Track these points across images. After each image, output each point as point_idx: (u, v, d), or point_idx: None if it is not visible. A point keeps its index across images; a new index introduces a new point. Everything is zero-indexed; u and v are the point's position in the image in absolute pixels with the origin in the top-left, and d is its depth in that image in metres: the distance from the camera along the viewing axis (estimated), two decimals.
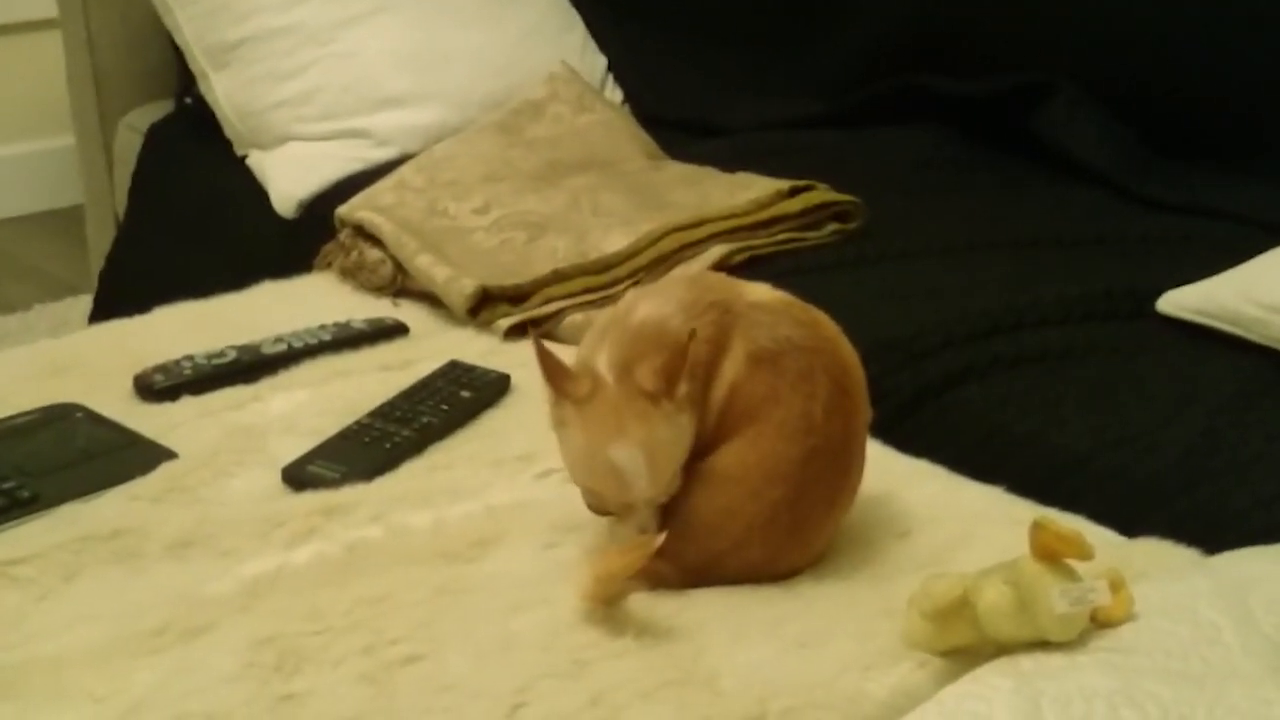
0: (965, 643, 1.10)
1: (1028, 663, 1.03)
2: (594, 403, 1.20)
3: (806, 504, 1.23)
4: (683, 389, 1.19)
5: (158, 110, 2.69)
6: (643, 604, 1.20)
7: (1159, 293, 1.65)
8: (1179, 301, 1.63)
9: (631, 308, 1.26)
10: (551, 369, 1.21)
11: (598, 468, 1.20)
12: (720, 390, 1.23)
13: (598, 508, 1.24)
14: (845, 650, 1.14)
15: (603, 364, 1.21)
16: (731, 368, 1.23)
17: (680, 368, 1.19)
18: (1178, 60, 2.12)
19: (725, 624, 1.18)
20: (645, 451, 1.18)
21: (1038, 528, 1.07)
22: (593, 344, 1.24)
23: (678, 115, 2.45)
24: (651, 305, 1.25)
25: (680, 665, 1.13)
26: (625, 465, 1.18)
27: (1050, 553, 1.07)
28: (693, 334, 1.19)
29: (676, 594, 1.22)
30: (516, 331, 1.74)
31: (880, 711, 1.07)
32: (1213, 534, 1.25)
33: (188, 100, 2.57)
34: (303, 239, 2.08)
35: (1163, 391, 1.52)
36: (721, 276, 1.41)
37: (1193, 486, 1.39)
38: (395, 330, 1.74)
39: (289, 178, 2.31)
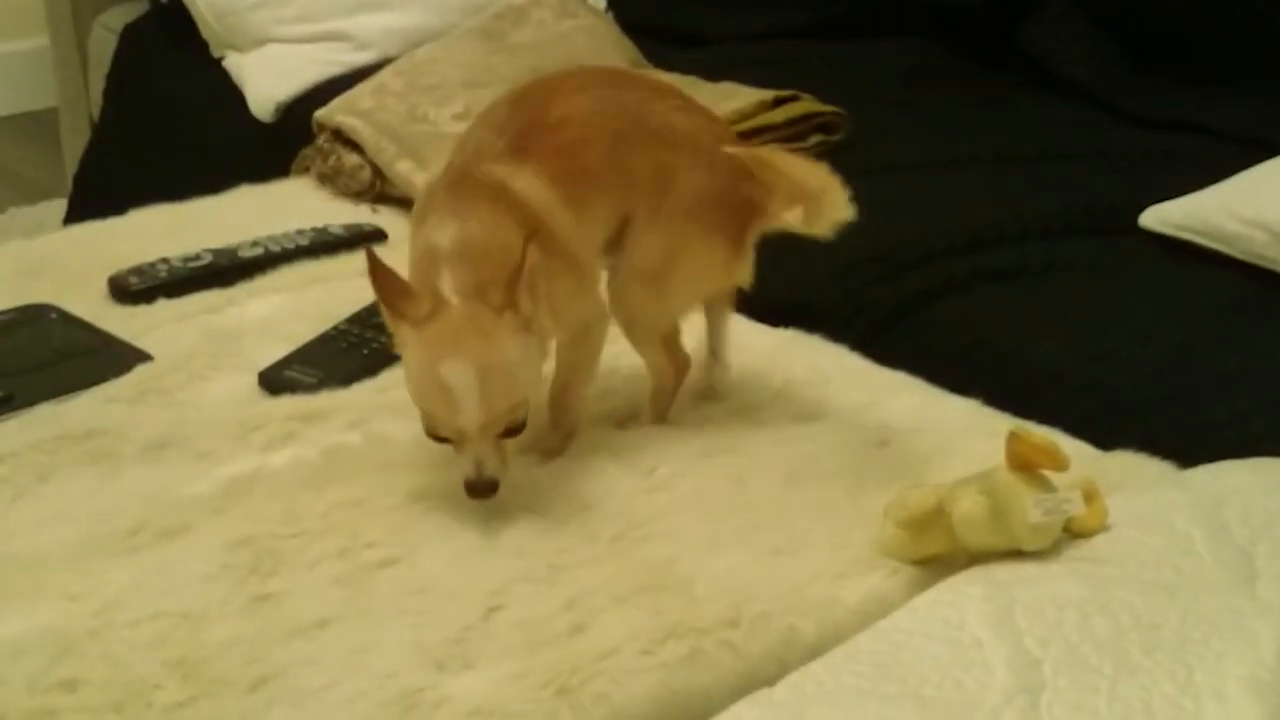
0: (939, 552, 1.11)
1: (1001, 571, 1.04)
2: (434, 321, 1.15)
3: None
4: (526, 306, 1.15)
5: (133, 10, 2.65)
6: (618, 511, 1.20)
7: (1142, 208, 1.64)
8: (1162, 216, 1.63)
9: (435, 231, 1.19)
10: (388, 289, 1.16)
11: (430, 386, 1.15)
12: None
13: (430, 430, 1.18)
14: (819, 558, 1.15)
15: (447, 286, 1.16)
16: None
17: (518, 277, 1.14)
18: None
19: (700, 532, 1.19)
20: (479, 370, 1.13)
21: (1013, 438, 1.07)
22: (428, 267, 1.18)
23: (662, 23, 2.42)
24: (457, 229, 1.18)
25: (655, 571, 1.14)
26: (455, 384, 1.13)
27: (1025, 463, 1.07)
28: (529, 240, 1.14)
29: (651, 503, 1.22)
30: None
31: (852, 618, 1.08)
32: (1188, 448, 1.25)
33: None
34: (280, 143, 2.06)
35: (1142, 306, 1.53)
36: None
37: (1169, 401, 1.39)
38: (373, 236, 1.72)
39: (266, 80, 2.28)
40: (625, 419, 1.36)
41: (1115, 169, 1.85)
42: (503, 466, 1.17)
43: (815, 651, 1.02)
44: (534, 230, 1.17)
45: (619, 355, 1.36)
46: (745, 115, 1.92)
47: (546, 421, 1.29)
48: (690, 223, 1.28)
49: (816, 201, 1.23)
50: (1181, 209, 1.62)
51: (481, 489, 1.16)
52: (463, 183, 1.22)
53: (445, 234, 1.19)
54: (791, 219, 1.28)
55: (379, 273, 1.16)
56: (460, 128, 1.93)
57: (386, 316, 1.18)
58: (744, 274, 1.31)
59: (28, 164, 3.36)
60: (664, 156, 1.27)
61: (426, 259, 1.19)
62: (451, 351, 1.14)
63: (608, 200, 1.27)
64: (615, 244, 1.29)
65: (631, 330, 1.33)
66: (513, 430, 1.17)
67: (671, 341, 1.35)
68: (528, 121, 1.24)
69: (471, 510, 1.20)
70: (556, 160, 1.23)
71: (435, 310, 1.15)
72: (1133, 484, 1.19)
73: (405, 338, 1.17)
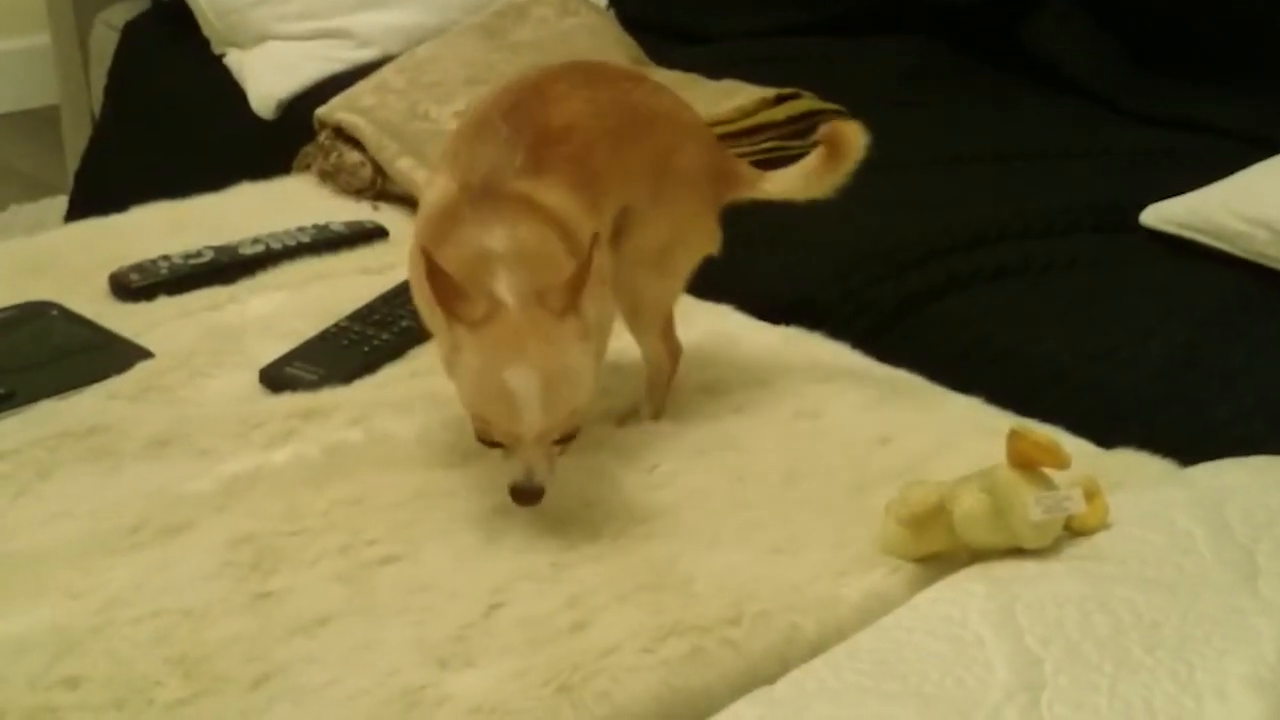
0: (941, 549, 1.11)
1: (1002, 569, 1.04)
2: (492, 324, 1.13)
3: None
4: (588, 311, 1.14)
5: (134, 7, 2.65)
6: (619, 509, 1.20)
7: (1143, 206, 1.64)
8: (1163, 214, 1.62)
9: (480, 237, 1.17)
10: (445, 291, 1.12)
11: (491, 391, 1.12)
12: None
13: (482, 434, 1.16)
14: (820, 556, 1.15)
15: (502, 287, 1.14)
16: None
17: (583, 280, 1.13)
18: None
19: (701, 530, 1.19)
20: (543, 376, 1.11)
21: (1015, 436, 1.07)
22: (472, 272, 1.15)
23: (663, 20, 2.42)
24: (506, 234, 1.17)
25: (656, 570, 1.14)
26: (518, 390, 1.11)
27: (1027, 461, 1.07)
28: (594, 244, 1.14)
29: (652, 500, 1.22)
30: None
31: (853, 615, 1.08)
32: (1191, 446, 1.25)
33: None
34: (282, 140, 2.05)
35: (1144, 304, 1.53)
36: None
37: (1172, 399, 1.39)
38: (375, 233, 1.72)
39: (268, 78, 2.28)
40: (625, 416, 1.36)
41: (1117, 167, 1.85)
42: (550, 473, 1.15)
43: (816, 649, 1.02)
44: (597, 235, 1.17)
45: (620, 353, 1.37)
46: (746, 112, 1.92)
47: None
48: (689, 198, 1.31)
49: (840, 150, 1.30)
50: (1183, 207, 1.62)
51: (529, 495, 1.14)
52: (491, 197, 1.20)
53: (492, 238, 1.17)
54: (769, 188, 1.35)
55: (436, 274, 1.13)
56: None
57: (441, 319, 1.15)
58: (718, 242, 1.35)
59: (29, 161, 3.36)
60: (658, 141, 1.30)
61: (470, 264, 1.16)
62: (515, 357, 1.11)
63: (613, 198, 1.28)
64: (613, 237, 1.29)
65: (637, 316, 1.33)
66: (567, 437, 1.16)
67: (667, 328, 1.36)
68: (535, 134, 1.23)
69: (473, 508, 1.20)
70: (571, 169, 1.23)
71: (492, 313, 1.13)
72: (1134, 482, 1.19)
73: (461, 341, 1.14)
